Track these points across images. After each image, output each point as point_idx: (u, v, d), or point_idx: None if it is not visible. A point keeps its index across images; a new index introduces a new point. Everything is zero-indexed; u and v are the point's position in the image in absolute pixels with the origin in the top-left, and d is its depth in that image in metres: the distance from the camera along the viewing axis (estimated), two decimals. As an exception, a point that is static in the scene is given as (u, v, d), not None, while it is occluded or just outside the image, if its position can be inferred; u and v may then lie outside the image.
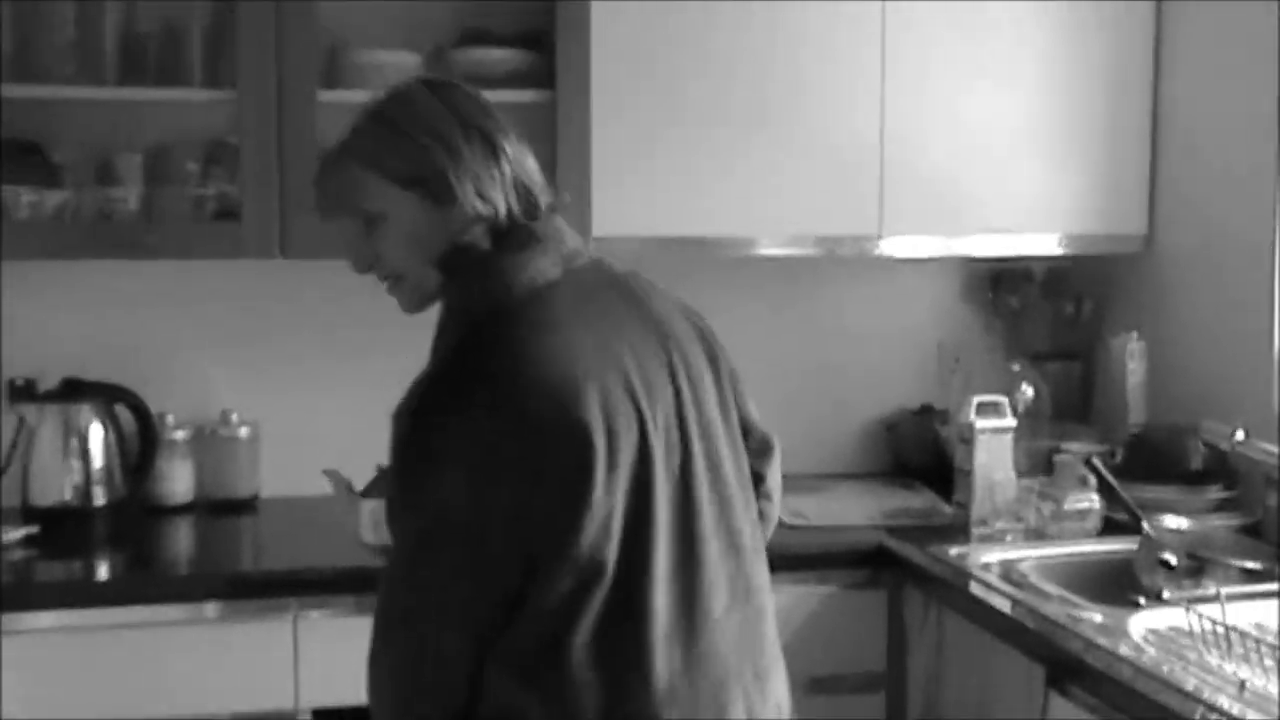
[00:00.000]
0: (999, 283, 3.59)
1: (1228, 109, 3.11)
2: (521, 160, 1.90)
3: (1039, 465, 3.09)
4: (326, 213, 1.95)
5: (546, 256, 1.85)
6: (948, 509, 3.06)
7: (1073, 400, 3.52)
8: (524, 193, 1.88)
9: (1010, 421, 2.95)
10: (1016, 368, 3.35)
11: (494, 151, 1.86)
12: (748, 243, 3.16)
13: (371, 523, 2.63)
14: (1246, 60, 3.02)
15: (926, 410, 3.52)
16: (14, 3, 2.91)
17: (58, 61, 2.92)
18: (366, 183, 1.86)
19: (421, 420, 1.74)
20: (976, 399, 2.95)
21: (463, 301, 1.85)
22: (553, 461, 1.69)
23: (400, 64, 3.02)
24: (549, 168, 2.98)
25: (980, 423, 2.92)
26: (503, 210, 1.85)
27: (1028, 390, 3.21)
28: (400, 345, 3.23)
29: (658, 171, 3.08)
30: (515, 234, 1.86)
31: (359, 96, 2.98)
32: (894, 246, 3.22)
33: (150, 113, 3.08)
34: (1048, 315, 3.58)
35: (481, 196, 1.84)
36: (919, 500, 3.25)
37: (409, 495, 1.75)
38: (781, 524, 3.00)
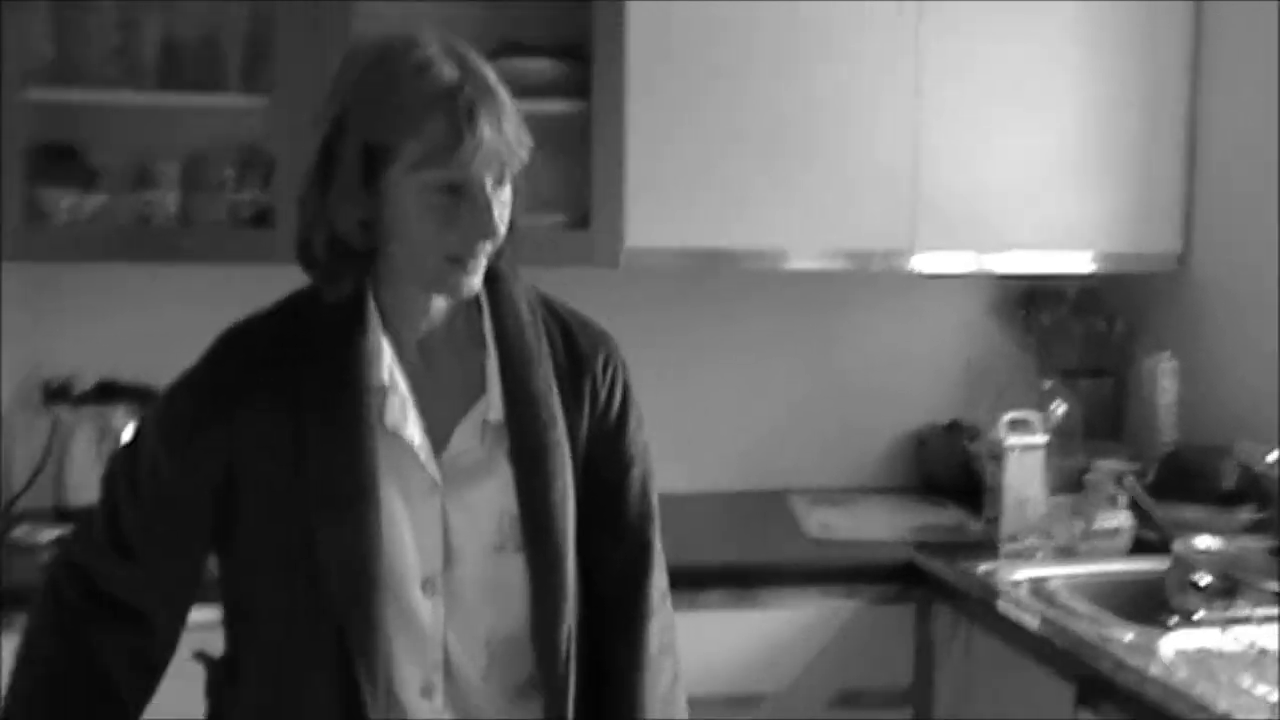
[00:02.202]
0: (1031, 300, 3.58)
1: (1265, 127, 3.09)
2: None
3: (1070, 483, 3.05)
4: (495, 167, 1.65)
5: None
6: (976, 525, 3.05)
7: (1104, 418, 3.50)
8: None
9: (1041, 438, 2.93)
10: (1048, 385, 3.34)
11: None
12: (778, 255, 3.15)
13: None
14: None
15: (955, 426, 3.50)
16: (57, 7, 2.93)
17: (99, 66, 2.95)
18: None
19: None
20: (1007, 415, 2.93)
21: (513, 280, 1.80)
22: None
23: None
24: (584, 177, 3.00)
25: (1011, 439, 2.90)
26: None
27: (1059, 407, 3.19)
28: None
29: (692, 183, 3.07)
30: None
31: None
32: (925, 262, 3.21)
33: (188, 118, 3.10)
34: (1080, 333, 3.56)
35: None
36: (948, 516, 3.23)
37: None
38: (808, 538, 3.03)
